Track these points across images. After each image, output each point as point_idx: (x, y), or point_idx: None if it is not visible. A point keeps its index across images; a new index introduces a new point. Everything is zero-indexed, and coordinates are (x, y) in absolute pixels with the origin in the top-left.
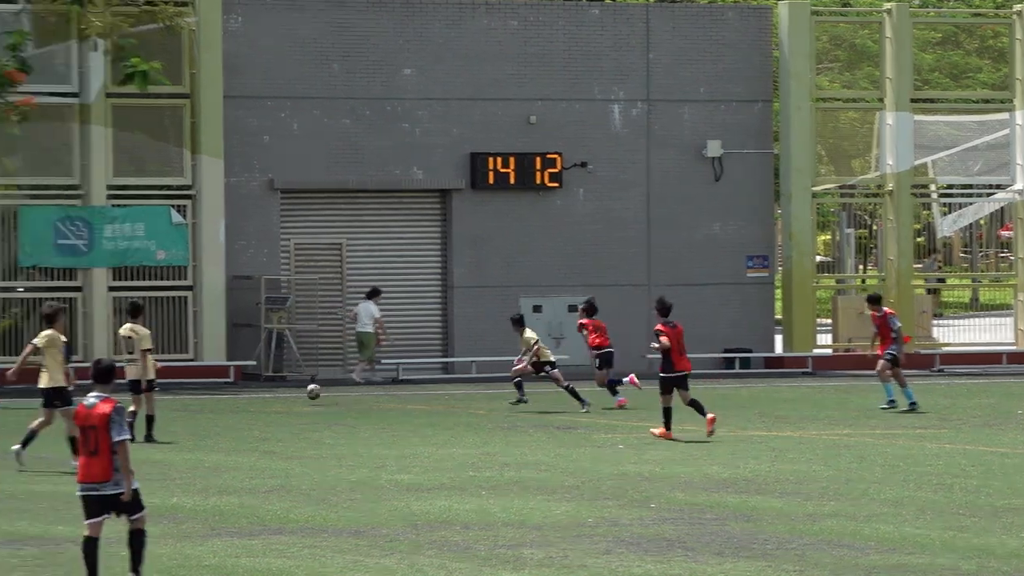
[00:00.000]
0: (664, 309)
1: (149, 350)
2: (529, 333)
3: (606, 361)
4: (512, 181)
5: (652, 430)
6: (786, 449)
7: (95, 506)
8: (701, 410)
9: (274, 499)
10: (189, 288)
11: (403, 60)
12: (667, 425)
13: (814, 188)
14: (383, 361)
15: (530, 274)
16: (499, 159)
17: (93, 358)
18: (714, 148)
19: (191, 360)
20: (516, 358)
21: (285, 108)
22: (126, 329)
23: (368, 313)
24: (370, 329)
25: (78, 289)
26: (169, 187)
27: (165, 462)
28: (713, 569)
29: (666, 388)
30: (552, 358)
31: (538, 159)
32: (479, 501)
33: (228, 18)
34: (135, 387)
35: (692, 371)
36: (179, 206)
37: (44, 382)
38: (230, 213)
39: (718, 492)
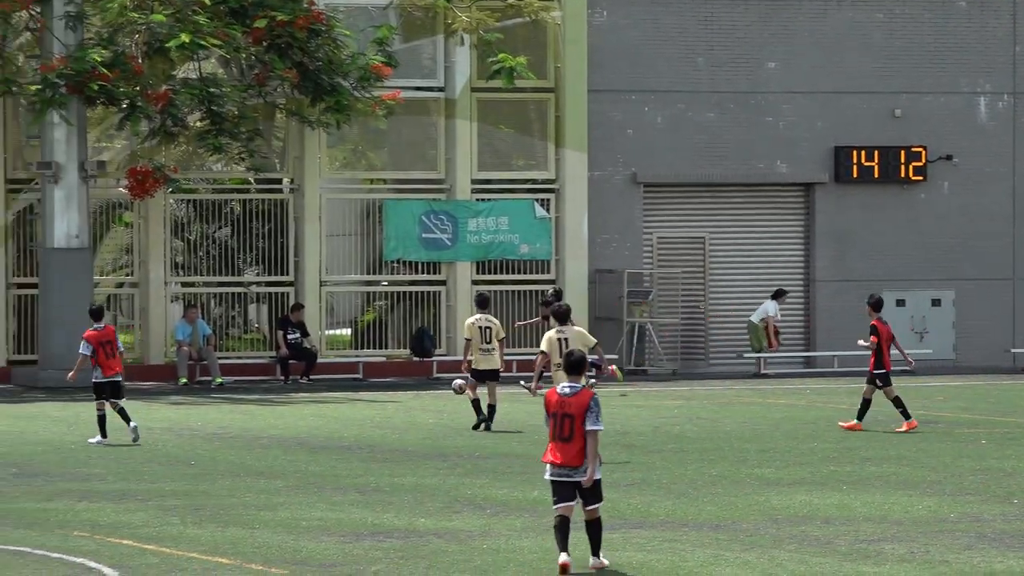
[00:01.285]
0: (877, 305)
1: (502, 340)
2: None
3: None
4: (876, 175)
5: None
6: None
7: (566, 490)
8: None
9: (634, 493)
10: (552, 282)
11: (768, 53)
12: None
13: None
14: (744, 356)
15: (893, 268)
16: (863, 152)
17: (456, 352)
18: None
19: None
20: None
21: (649, 102)
22: (483, 319)
23: (764, 309)
24: (755, 321)
25: (442, 283)
26: (533, 181)
27: (527, 455)
28: None
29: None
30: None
31: (902, 152)
32: (840, 496)
33: (593, 12)
34: (486, 376)
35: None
36: (543, 200)
37: None
38: (593, 207)
39: None
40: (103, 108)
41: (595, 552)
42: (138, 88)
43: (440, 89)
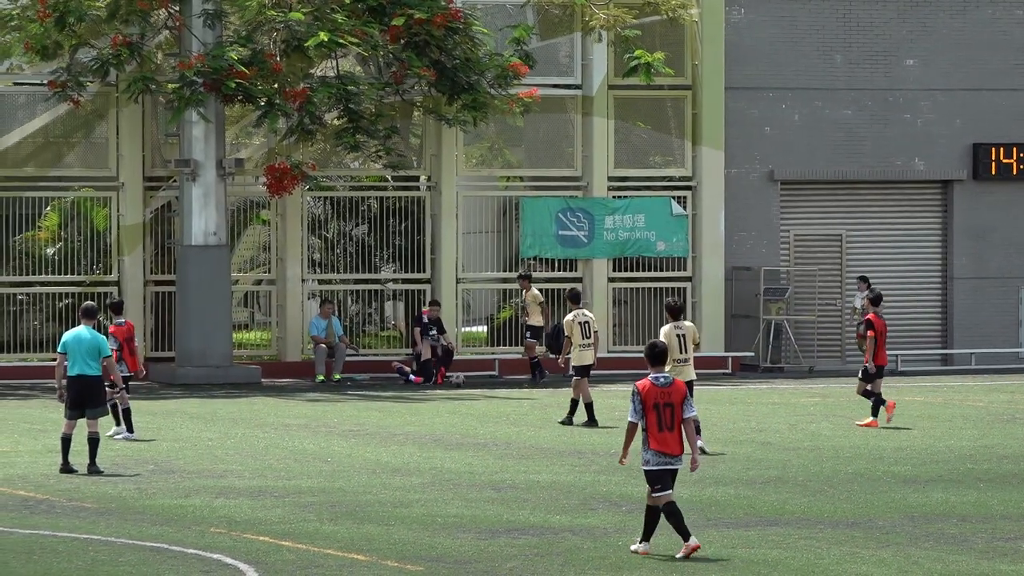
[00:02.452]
0: (876, 300)
1: (596, 333)
2: None
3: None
4: (1015, 172)
5: (858, 422)
6: None
7: (668, 478)
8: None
9: (770, 490)
10: (688, 279)
11: (906, 51)
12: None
13: None
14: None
15: None
16: (1002, 149)
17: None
18: None
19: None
20: None
21: (786, 99)
22: (580, 315)
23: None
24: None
25: (578, 280)
26: (670, 179)
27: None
28: None
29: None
30: None
31: None
32: (977, 493)
33: (730, 9)
34: (587, 371)
35: None
36: (679, 197)
37: None
38: (730, 204)
39: None
40: (241, 106)
41: (685, 536)
42: (276, 86)
43: (577, 86)
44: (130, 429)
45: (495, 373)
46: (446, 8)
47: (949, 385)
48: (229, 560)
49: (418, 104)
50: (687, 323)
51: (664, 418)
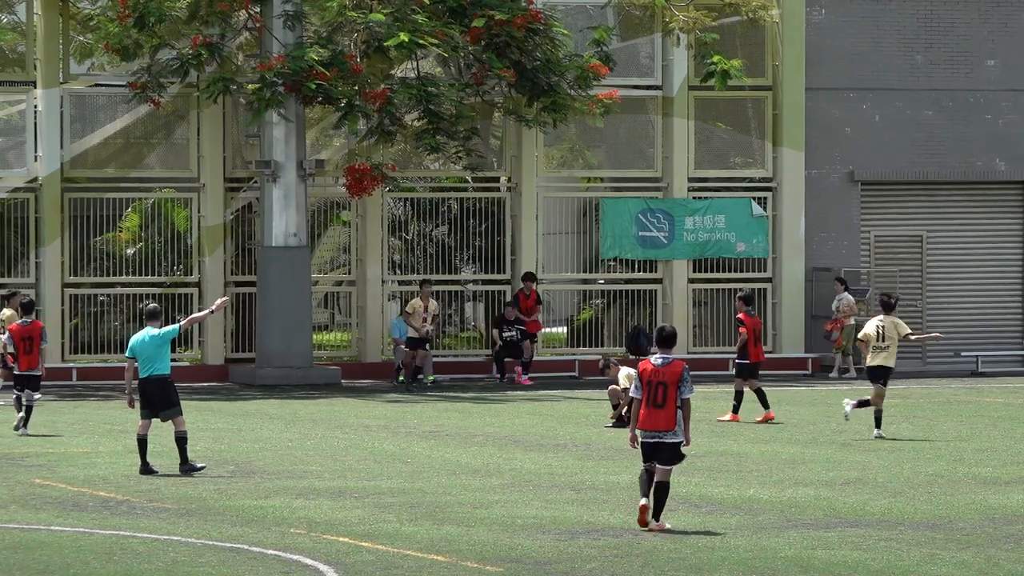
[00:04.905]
0: (748, 299)
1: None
2: None
3: None
4: None
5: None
6: None
7: (650, 451)
8: (765, 402)
9: (850, 491)
10: (768, 280)
11: (987, 51)
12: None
13: None
14: (961, 353)
15: None
16: None
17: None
18: None
19: (770, 352)
20: None
21: (867, 99)
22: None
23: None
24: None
25: (658, 281)
26: (750, 179)
27: (742, 453)
28: None
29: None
30: None
31: None
32: None
33: (811, 10)
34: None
35: None
36: (760, 198)
37: None
38: (810, 205)
39: None
40: (321, 107)
41: (656, 516)
42: (356, 87)
43: (657, 87)
44: (25, 424)
45: (575, 374)
46: (526, 9)
47: None
48: (309, 561)
49: (498, 105)
50: (892, 317)
51: (656, 395)
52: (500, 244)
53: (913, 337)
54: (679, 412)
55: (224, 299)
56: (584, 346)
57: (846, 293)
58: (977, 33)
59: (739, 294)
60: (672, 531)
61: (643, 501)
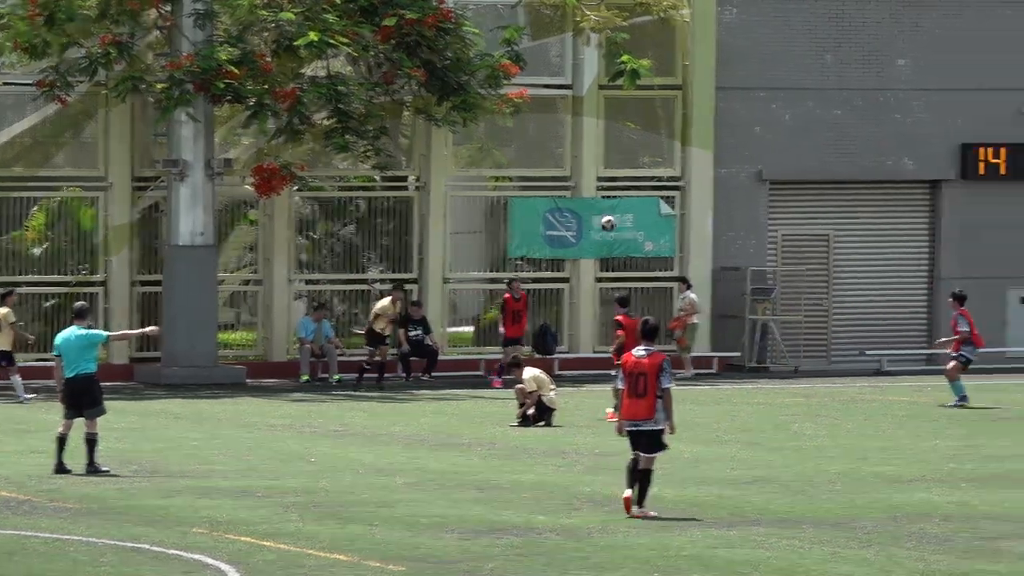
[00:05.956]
0: (623, 301)
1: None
2: None
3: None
4: (1003, 172)
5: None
6: None
7: (635, 439)
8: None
9: (753, 490)
10: (675, 279)
11: (897, 50)
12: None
13: None
14: (866, 352)
15: (1019, 265)
16: (990, 150)
17: (579, 347)
18: None
19: (672, 351)
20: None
21: (777, 99)
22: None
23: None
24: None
25: (565, 280)
26: (659, 179)
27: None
28: None
29: None
30: None
31: None
32: (960, 493)
33: (722, 9)
34: None
35: None
36: (668, 197)
37: None
38: (718, 204)
39: None
40: (230, 106)
41: (640, 500)
42: (266, 86)
43: (568, 87)
44: None
45: (481, 373)
46: (437, 8)
47: (934, 385)
48: (210, 560)
49: (407, 104)
50: None
51: (637, 386)
52: (407, 243)
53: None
54: (659, 401)
55: (156, 328)
56: (490, 345)
57: (689, 292)
58: (887, 32)
59: (615, 295)
60: (658, 518)
61: (627, 493)
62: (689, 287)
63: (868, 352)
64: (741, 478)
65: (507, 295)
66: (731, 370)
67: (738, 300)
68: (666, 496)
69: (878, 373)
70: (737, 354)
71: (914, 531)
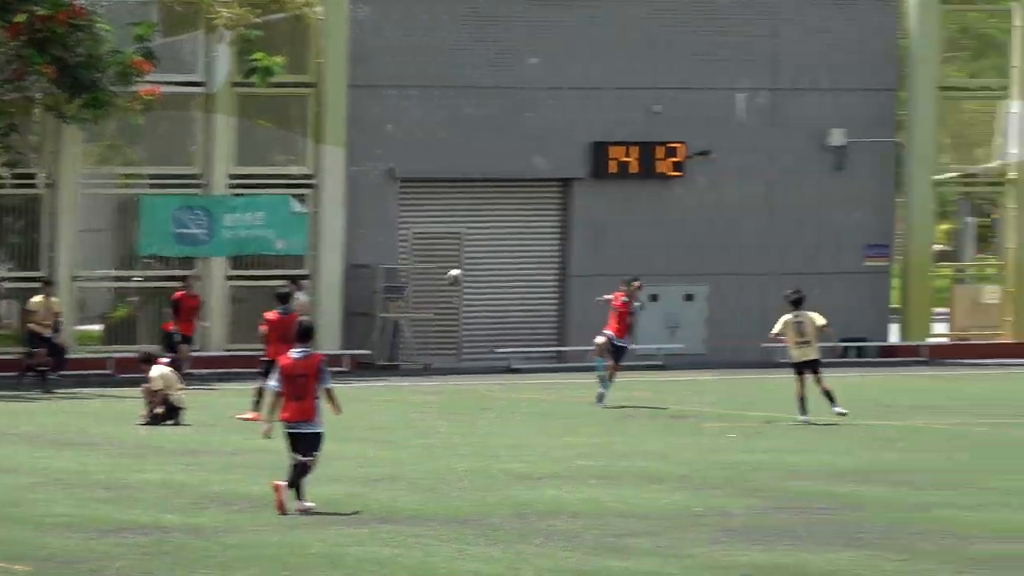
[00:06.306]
0: (282, 297)
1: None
2: None
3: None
4: (634, 170)
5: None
6: (898, 438)
7: (301, 443)
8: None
9: (383, 488)
10: (306, 277)
11: (530, 49)
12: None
13: (935, 177)
14: (497, 350)
15: (649, 263)
16: (622, 148)
17: (211, 345)
18: (837, 137)
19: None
20: None
21: (409, 97)
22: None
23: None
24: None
25: (196, 279)
26: (291, 176)
27: (276, 450)
28: (819, 559)
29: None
30: None
31: (661, 148)
32: (589, 490)
33: (355, 7)
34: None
35: None
36: (300, 195)
37: None
38: (350, 202)
39: (828, 482)
40: None
41: (300, 497)
42: None
43: (200, 84)
44: None
45: (110, 372)
46: (69, 5)
47: (564, 382)
48: None
49: (38, 101)
50: (807, 312)
51: (296, 388)
52: (36, 241)
53: (829, 329)
54: (318, 403)
55: None
56: (119, 344)
57: (300, 294)
58: (520, 31)
59: (278, 290)
60: (315, 512)
61: (281, 482)
62: (300, 288)
63: (499, 350)
64: (371, 476)
65: (180, 294)
66: (362, 368)
67: (369, 298)
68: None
69: (509, 371)
70: (368, 352)
71: (543, 528)
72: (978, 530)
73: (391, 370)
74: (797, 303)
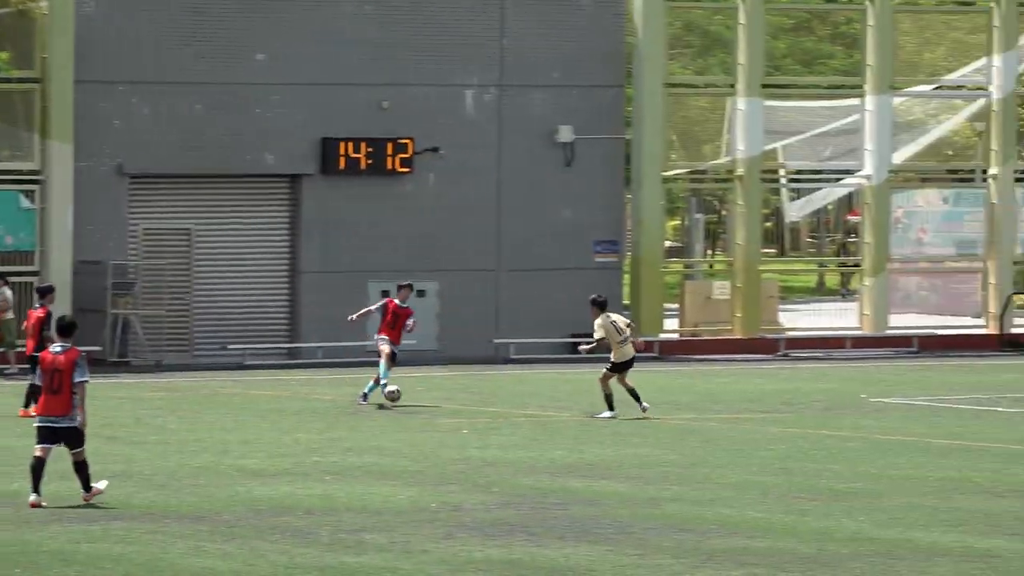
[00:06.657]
0: (43, 290)
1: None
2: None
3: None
4: (363, 166)
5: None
6: (630, 434)
7: (48, 435)
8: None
9: (115, 485)
10: (35, 273)
11: (257, 44)
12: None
13: (664, 173)
14: (228, 347)
15: (380, 259)
16: (351, 144)
17: None
18: (566, 133)
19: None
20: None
21: (136, 93)
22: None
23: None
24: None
25: None
26: (18, 172)
27: (5, 448)
28: (555, 553)
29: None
30: None
31: (390, 144)
32: (322, 486)
33: (82, 2)
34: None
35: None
36: (28, 191)
37: None
38: (79, 198)
39: (561, 477)
40: None
41: (86, 488)
42: None
43: None
44: None
45: None
46: None
47: (296, 379)
48: None
49: None
50: (614, 314)
51: (52, 382)
52: None
53: (634, 326)
54: (76, 398)
55: None
56: None
57: (4, 288)
58: (247, 26)
59: (37, 286)
60: (99, 500)
61: (34, 498)
62: (5, 283)
63: (230, 346)
64: (103, 473)
65: None
66: (94, 364)
67: (99, 294)
68: (27, 491)
69: (240, 367)
70: (99, 348)
71: (278, 524)
72: (713, 524)
73: (122, 367)
74: (604, 305)
